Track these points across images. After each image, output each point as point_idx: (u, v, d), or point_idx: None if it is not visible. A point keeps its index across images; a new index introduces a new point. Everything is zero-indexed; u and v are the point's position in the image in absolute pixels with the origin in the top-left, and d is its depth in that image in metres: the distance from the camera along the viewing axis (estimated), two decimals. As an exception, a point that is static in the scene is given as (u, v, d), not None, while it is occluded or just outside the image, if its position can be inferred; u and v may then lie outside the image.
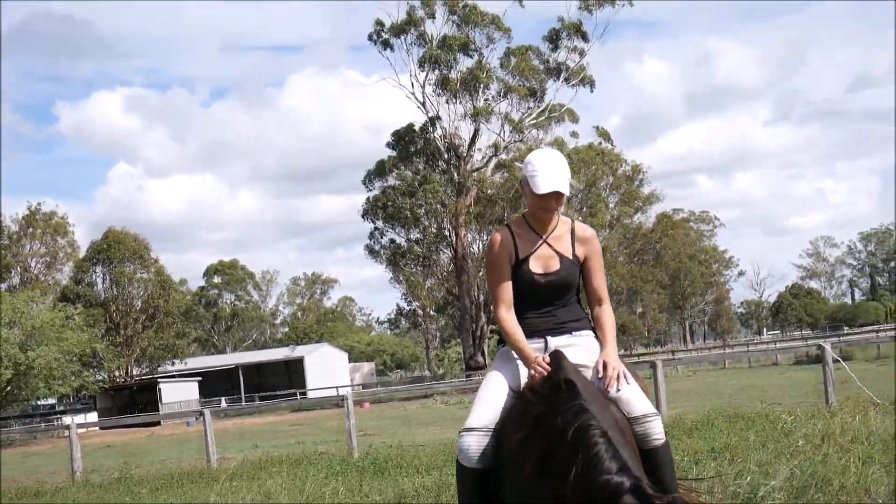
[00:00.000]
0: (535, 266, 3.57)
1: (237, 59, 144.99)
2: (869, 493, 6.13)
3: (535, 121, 44.52)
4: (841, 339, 17.05)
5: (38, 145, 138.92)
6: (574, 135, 46.28)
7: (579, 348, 3.53)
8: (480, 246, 45.36)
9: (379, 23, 43.70)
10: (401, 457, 11.84)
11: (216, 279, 71.91)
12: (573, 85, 44.03)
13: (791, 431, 8.76)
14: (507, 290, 3.59)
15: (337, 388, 41.80)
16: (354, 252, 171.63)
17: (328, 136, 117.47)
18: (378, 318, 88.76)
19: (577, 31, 43.41)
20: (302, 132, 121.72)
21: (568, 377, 3.07)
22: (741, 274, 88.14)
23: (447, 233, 45.46)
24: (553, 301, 3.61)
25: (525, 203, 3.63)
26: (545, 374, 3.22)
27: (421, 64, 43.37)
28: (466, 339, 45.54)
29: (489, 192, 44.92)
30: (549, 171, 3.44)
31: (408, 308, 58.02)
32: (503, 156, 44.01)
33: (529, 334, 3.60)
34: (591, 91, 44.86)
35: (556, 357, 3.28)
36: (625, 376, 3.37)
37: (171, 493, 11.06)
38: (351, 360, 60.30)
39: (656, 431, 3.32)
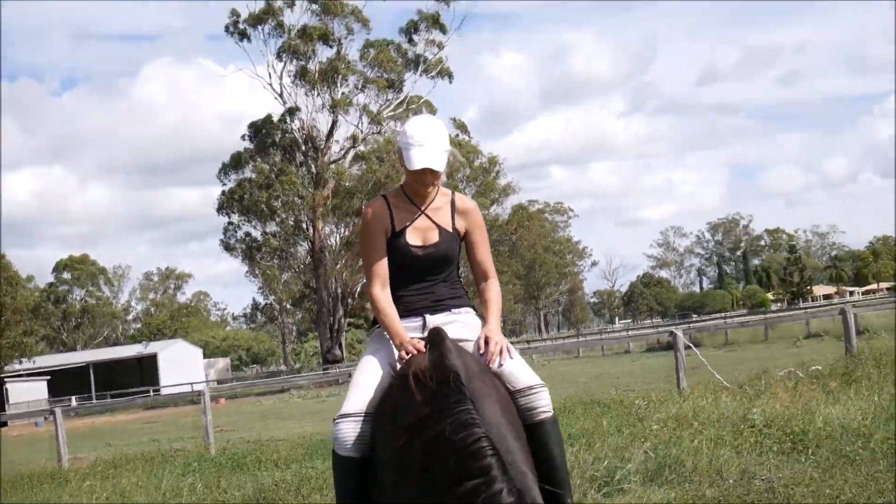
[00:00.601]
0: (413, 238, 3.46)
1: (88, 49, 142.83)
2: (721, 473, 6.54)
3: (393, 112, 44.39)
4: (690, 326, 17.98)
5: None
6: None
7: (459, 325, 3.43)
8: (338, 239, 45.64)
9: (235, 13, 42.74)
10: (259, 451, 12.12)
11: (66, 275, 70.15)
12: (432, 77, 44.40)
13: (645, 416, 9.39)
14: (381, 265, 3.48)
15: (192, 384, 41.80)
16: (209, 246, 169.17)
17: (183, 128, 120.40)
18: (233, 314, 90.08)
19: (436, 22, 43.41)
20: (156, 123, 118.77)
21: (457, 371, 2.87)
22: (594, 264, 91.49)
23: (304, 225, 45.00)
24: (431, 275, 3.51)
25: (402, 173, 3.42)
26: (423, 360, 3.07)
27: (279, 54, 42.88)
28: (324, 332, 45.29)
29: (347, 184, 44.15)
30: (425, 145, 3.32)
31: (264, 302, 58.01)
32: (361, 147, 43.87)
33: (407, 312, 3.51)
34: (450, 83, 45.43)
35: (438, 335, 3.11)
36: (508, 350, 3.32)
37: (21, 495, 11.21)
38: (206, 355, 59.93)
39: (542, 403, 3.28)
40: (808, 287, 67.16)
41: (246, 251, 47.14)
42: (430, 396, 2.90)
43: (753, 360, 17.62)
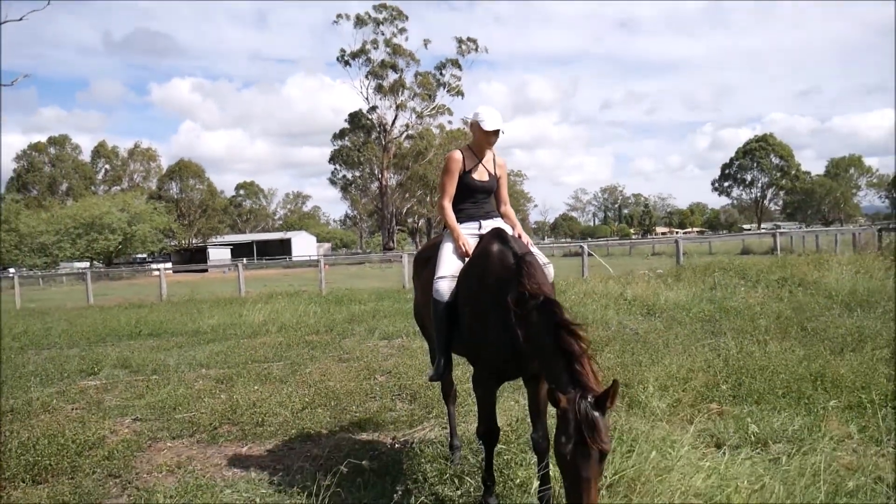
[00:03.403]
0: (476, 176, 5.02)
1: (257, 65, 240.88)
2: (607, 324, 11.01)
3: (429, 113, 72.87)
4: (588, 243, 24.92)
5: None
6: (450, 122, 75.27)
7: (501, 223, 5.05)
8: (394, 182, 74.77)
9: (342, 51, 70.83)
10: (350, 295, 19.35)
11: (241, 192, 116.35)
12: (452, 94, 72.07)
13: (565, 290, 14.77)
14: (452, 188, 5.02)
15: (310, 256, 60.01)
16: (322, 181, 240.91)
17: (311, 114, 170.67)
18: (334, 219, 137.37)
19: (455, 63, 71.31)
20: (296, 111, 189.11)
21: (517, 251, 4.30)
22: (535, 206, 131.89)
23: (376, 172, 74.49)
24: (483, 198, 5.11)
25: (471, 140, 5.11)
26: (467, 248, 4.77)
27: (367, 76, 71.02)
28: (384, 233, 74.30)
29: (402, 151, 72.80)
30: (493, 117, 4.88)
31: (351, 213, 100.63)
32: (410, 132, 73.49)
33: (469, 219, 5.05)
34: (462, 98, 73.28)
35: (503, 231, 4.64)
36: (530, 242, 4.77)
37: (217, 309, 17.56)
38: (318, 241, 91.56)
39: (552, 272, 4.69)
40: (654, 228, 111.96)
41: (343, 185, 78.84)
42: (507, 264, 4.25)
43: (624, 265, 23.95)
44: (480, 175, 5.03)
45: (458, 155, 5.01)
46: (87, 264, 57.50)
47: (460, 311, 4.59)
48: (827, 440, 4.84)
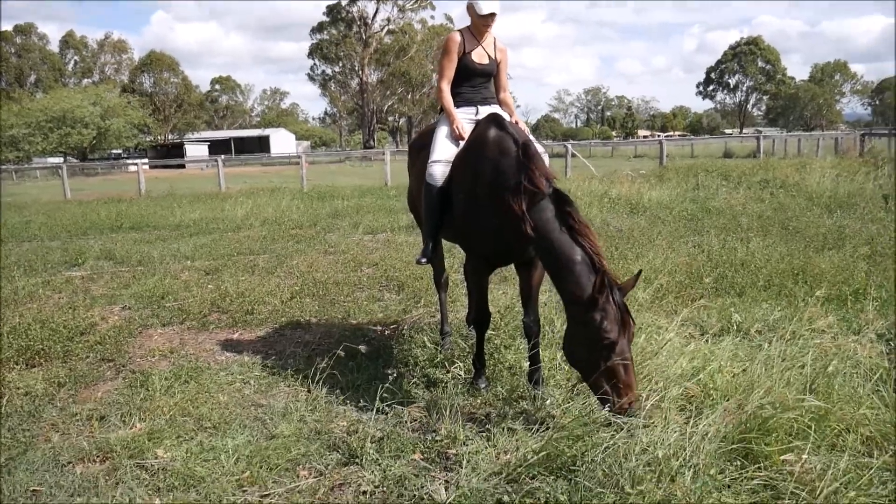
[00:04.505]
0: (475, 58, 4.87)
1: None
2: (592, 221, 10.38)
3: (411, 6, 70.21)
4: (572, 144, 25.16)
5: None
6: (432, 17, 72.92)
7: (499, 110, 4.89)
8: (375, 78, 72.50)
9: None
10: (332, 191, 19.33)
11: (217, 87, 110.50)
12: None
13: None
14: (450, 72, 4.86)
15: (289, 154, 57.57)
16: (300, 76, 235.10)
17: (291, 7, 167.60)
18: (313, 116, 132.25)
19: None
20: (279, 3, 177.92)
21: (516, 136, 4.25)
22: (518, 107, 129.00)
23: (356, 68, 71.93)
24: (482, 82, 4.97)
25: (469, 22, 4.89)
26: (462, 133, 4.66)
27: None
28: (364, 131, 73.63)
29: (383, 46, 70.30)
30: (489, 0, 4.71)
31: (330, 111, 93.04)
32: (392, 26, 70.66)
33: (466, 103, 4.92)
34: None
35: (500, 116, 4.50)
36: (527, 130, 4.63)
37: (198, 204, 17.39)
38: (297, 139, 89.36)
39: (547, 162, 4.50)
40: (636, 131, 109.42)
41: (322, 81, 75.42)
42: (505, 150, 4.20)
43: (607, 166, 24.06)
44: (480, 57, 4.88)
45: (457, 36, 4.85)
46: (61, 159, 56.26)
47: (454, 197, 4.54)
48: (807, 328, 4.99)
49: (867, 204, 11.60)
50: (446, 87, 4.88)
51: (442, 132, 4.80)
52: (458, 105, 4.90)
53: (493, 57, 4.92)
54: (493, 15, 4.73)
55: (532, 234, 3.93)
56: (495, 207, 4.14)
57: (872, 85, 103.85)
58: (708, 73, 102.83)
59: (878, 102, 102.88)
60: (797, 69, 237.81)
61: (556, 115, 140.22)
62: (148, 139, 68.57)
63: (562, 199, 3.99)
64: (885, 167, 16.68)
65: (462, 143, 4.70)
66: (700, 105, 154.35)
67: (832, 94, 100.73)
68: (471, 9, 4.77)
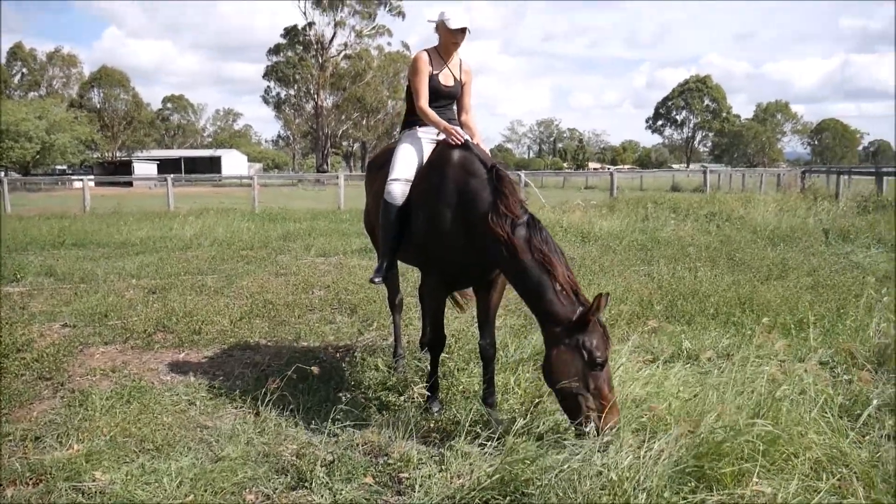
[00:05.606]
0: (441, 80, 4.79)
1: None
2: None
3: (368, 32, 70.75)
4: (525, 174, 25.86)
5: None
6: (389, 44, 73.44)
7: (463, 131, 4.65)
8: (330, 102, 72.55)
9: None
10: (285, 213, 19.20)
11: (169, 105, 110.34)
12: (393, 14, 69.97)
13: None
14: (426, 90, 4.75)
15: (242, 176, 57.99)
16: (255, 98, 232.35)
17: (248, 26, 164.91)
18: (266, 138, 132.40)
19: None
20: (231, 22, 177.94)
21: (485, 160, 4.27)
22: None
23: (312, 92, 71.91)
24: (447, 104, 4.89)
25: (438, 41, 4.82)
26: (460, 139, 4.44)
27: None
28: (318, 155, 73.74)
29: (339, 70, 70.75)
30: (459, 15, 4.63)
31: (284, 134, 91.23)
32: (349, 52, 71.18)
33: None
34: (403, 19, 72.25)
35: (470, 141, 4.50)
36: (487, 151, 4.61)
37: (145, 222, 16.95)
38: (249, 161, 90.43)
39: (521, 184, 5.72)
40: (587, 163, 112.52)
41: (277, 103, 75.32)
42: (471, 171, 4.20)
43: (558, 197, 24.10)
44: (446, 79, 4.81)
45: (424, 55, 4.78)
46: (1, 173, 54.52)
47: (413, 216, 4.47)
48: (755, 354, 5.07)
49: (808, 238, 11.97)
50: (426, 105, 4.72)
51: (403, 150, 4.73)
52: (420, 125, 4.83)
53: (458, 79, 4.87)
54: (464, 30, 4.65)
55: (507, 256, 3.91)
56: (459, 228, 4.10)
57: (812, 125, 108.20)
58: (657, 108, 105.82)
59: (816, 142, 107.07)
60: (742, 108, 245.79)
61: (509, 146, 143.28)
62: (95, 156, 68.19)
63: (534, 222, 3.99)
64: (824, 203, 17.28)
65: (422, 162, 4.67)
66: (649, 140, 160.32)
67: (774, 133, 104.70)
68: (441, 26, 4.69)
